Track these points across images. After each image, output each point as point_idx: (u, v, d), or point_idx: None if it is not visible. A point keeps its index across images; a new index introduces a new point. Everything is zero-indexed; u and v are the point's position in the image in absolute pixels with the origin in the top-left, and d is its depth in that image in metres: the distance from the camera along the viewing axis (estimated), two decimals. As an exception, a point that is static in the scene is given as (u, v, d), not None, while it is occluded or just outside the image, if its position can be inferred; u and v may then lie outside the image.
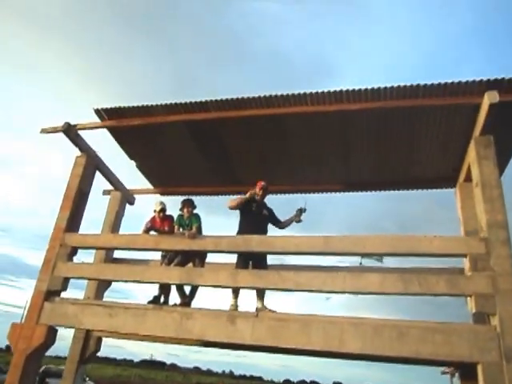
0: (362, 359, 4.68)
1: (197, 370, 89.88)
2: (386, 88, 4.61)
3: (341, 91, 4.70)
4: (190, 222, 5.11)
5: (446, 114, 4.88)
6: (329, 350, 4.08)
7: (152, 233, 5.21)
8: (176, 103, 5.21)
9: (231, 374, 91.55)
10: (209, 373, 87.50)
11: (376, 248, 4.39)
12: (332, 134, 5.40)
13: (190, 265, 5.15)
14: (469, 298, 4.73)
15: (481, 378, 3.76)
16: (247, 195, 5.13)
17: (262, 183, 5.31)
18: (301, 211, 5.25)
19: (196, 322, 4.44)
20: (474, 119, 4.73)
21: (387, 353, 3.90)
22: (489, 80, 4.41)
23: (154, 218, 5.30)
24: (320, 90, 4.75)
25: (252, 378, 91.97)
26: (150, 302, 5.01)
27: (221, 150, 6.04)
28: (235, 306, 4.82)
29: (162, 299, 5.21)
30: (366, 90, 4.64)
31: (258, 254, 4.82)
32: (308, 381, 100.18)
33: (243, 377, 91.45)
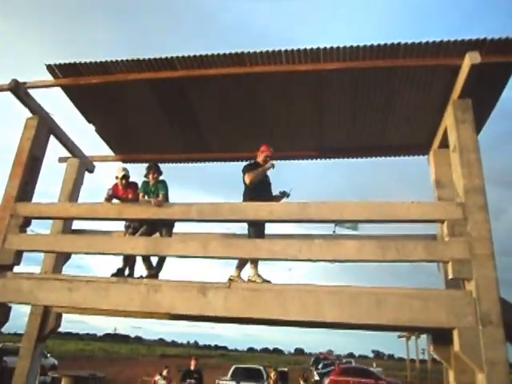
0: (339, 328, 4.58)
1: (161, 341, 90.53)
2: (364, 46, 4.35)
3: (317, 49, 4.40)
4: (157, 188, 4.76)
5: (425, 76, 4.71)
6: (305, 320, 3.94)
7: (115, 201, 4.83)
8: (139, 59, 4.75)
9: (196, 345, 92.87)
10: (173, 344, 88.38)
11: (354, 214, 4.23)
12: (306, 97, 5.13)
13: (157, 235, 4.83)
14: (441, 264, 4.73)
15: (457, 342, 3.73)
16: (267, 166, 4.82)
17: (270, 150, 4.99)
18: (283, 195, 4.98)
19: (164, 295, 4.17)
20: (452, 82, 4.57)
21: (365, 321, 3.80)
22: (470, 40, 4.24)
23: (116, 185, 4.90)
24: (295, 48, 4.43)
25: (217, 347, 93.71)
26: (113, 275, 4.68)
27: (188, 114, 5.64)
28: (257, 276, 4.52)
29: (126, 272, 4.89)
30: (345, 48, 4.37)
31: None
32: (271, 348, 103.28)
33: (208, 347, 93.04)
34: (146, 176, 4.87)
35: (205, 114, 5.64)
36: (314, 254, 4.09)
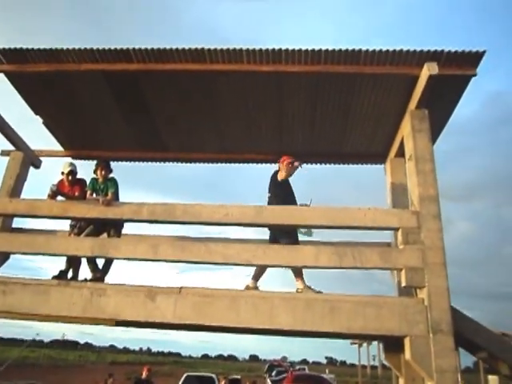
0: (293, 335, 4.48)
1: (113, 348, 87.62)
2: (326, 50, 4.31)
3: (279, 50, 4.32)
4: (106, 186, 4.49)
5: (385, 84, 4.73)
6: (258, 327, 3.81)
7: (60, 198, 4.51)
8: (92, 49, 4.48)
9: (149, 352, 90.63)
10: (125, 351, 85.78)
11: (310, 220, 4.16)
12: (266, 99, 5.03)
13: (105, 236, 4.55)
14: (396, 271, 4.75)
15: (408, 350, 3.72)
16: (296, 164, 4.71)
17: (291, 158, 4.80)
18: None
19: (109, 300, 3.92)
20: (410, 92, 4.63)
21: (318, 328, 3.72)
22: (429, 51, 4.29)
23: (61, 181, 4.58)
24: (257, 48, 4.32)
25: (170, 354, 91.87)
26: (55, 278, 4.35)
27: (144, 111, 5.39)
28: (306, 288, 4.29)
29: (70, 274, 4.56)
30: (307, 51, 4.31)
31: (282, 229, 4.40)
32: (225, 355, 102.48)
33: (161, 353, 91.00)
34: (94, 173, 4.59)
35: (162, 111, 5.42)
36: (269, 259, 3.98)
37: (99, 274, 4.40)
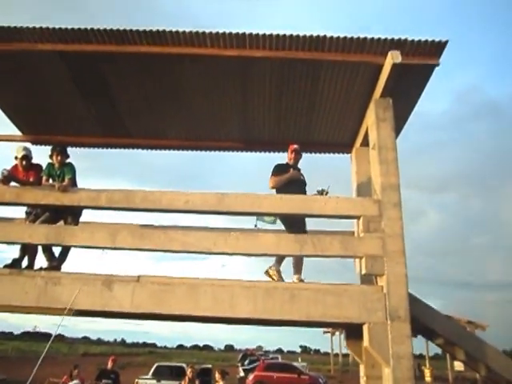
0: (253, 324, 4.46)
1: (86, 339, 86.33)
2: (290, 36, 4.24)
3: (243, 34, 4.21)
4: (62, 172, 4.33)
5: (349, 72, 4.69)
6: (218, 316, 3.77)
7: (13, 184, 4.32)
8: (48, 28, 4.27)
9: (123, 343, 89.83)
10: (99, 342, 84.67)
11: (273, 208, 4.12)
12: (231, 85, 4.93)
13: (62, 223, 4.40)
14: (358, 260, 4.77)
15: (366, 337, 3.76)
16: (288, 175, 4.71)
17: (295, 146, 5.00)
18: (321, 193, 4.74)
19: (64, 289, 3.81)
20: (375, 80, 4.63)
21: (278, 316, 3.71)
22: (393, 39, 4.27)
23: (15, 166, 4.39)
24: (221, 31, 4.21)
25: (145, 345, 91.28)
26: (7, 266, 4.17)
27: (106, 94, 5.20)
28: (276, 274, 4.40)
29: (25, 263, 4.40)
30: (271, 35, 4.22)
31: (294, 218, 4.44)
32: (201, 345, 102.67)
33: (136, 344, 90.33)
34: (50, 158, 4.41)
35: (124, 96, 5.24)
36: (229, 247, 3.93)
37: (55, 263, 4.26)
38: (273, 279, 4.38)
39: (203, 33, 4.23)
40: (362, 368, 4.74)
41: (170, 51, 4.33)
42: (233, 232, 4.05)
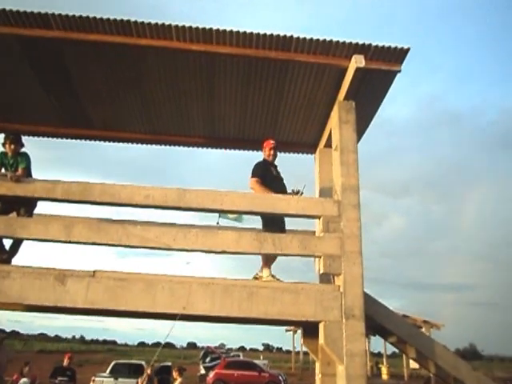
0: (210, 321, 4.45)
1: (43, 336, 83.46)
2: (258, 35, 4.23)
3: (210, 30, 4.18)
4: (16, 161, 4.16)
5: (315, 74, 4.75)
6: (175, 313, 3.72)
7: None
8: (5, 10, 4.07)
9: (82, 340, 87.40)
10: (56, 339, 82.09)
11: (235, 205, 4.11)
12: (197, 80, 4.88)
13: (14, 215, 4.23)
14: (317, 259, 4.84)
15: (322, 335, 3.82)
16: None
17: (272, 142, 4.96)
18: (296, 193, 4.79)
19: (14, 283, 3.66)
20: (339, 83, 4.70)
21: (236, 314, 3.71)
22: (357, 43, 4.35)
23: (-34, 154, 4.18)
24: (187, 25, 4.16)
25: (105, 342, 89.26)
26: (-47, 259, 3.97)
27: (67, 83, 5.02)
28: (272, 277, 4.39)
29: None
30: (238, 33, 4.21)
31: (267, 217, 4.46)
32: (163, 342, 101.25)
33: (95, 341, 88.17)
34: (3, 146, 4.23)
35: (87, 86, 5.08)
36: (189, 243, 3.89)
37: (5, 256, 4.09)
38: None
39: (169, 26, 4.16)
40: (317, 365, 4.82)
41: (135, 42, 4.23)
42: (193, 228, 4.01)
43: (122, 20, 4.11)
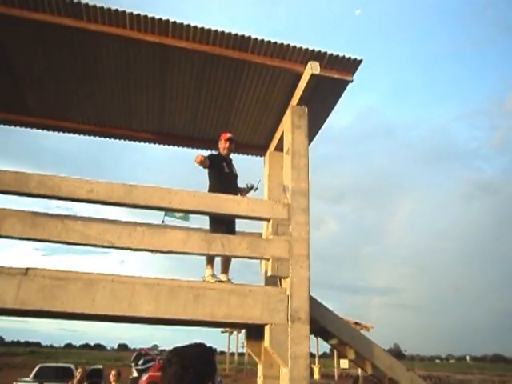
0: (154, 323, 4.28)
1: (-46, 337, 76.75)
2: (216, 31, 4.16)
3: (166, 21, 4.03)
4: None
5: (270, 77, 4.76)
6: (116, 315, 3.53)
7: None
8: None
9: (1, 341, 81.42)
10: (-29, 341, 75.86)
11: (184, 204, 3.98)
12: (150, 73, 4.70)
13: None
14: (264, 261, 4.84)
15: (267, 338, 3.81)
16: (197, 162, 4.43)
17: (228, 134, 4.76)
18: (250, 188, 4.83)
19: None
20: (293, 88, 4.75)
21: (182, 316, 3.60)
22: (313, 50, 4.42)
23: None
24: (142, 14, 3.99)
25: (28, 344, 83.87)
26: None
27: (5, 65, 4.63)
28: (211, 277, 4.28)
29: None
30: (195, 27, 4.10)
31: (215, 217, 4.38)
32: (92, 344, 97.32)
33: (16, 343, 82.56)
34: None
35: (28, 69, 4.71)
36: (134, 242, 3.72)
37: None
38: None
39: (123, 12, 3.96)
40: (260, 368, 4.80)
41: (85, 26, 3.98)
42: (138, 226, 3.83)
43: (71, 1, 3.85)
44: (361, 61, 4.49)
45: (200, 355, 1.34)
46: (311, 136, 5.46)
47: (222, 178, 4.65)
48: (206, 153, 5.01)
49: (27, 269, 3.49)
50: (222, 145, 4.82)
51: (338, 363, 30.82)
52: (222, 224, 4.38)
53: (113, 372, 6.45)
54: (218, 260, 4.54)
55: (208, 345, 1.39)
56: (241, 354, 34.09)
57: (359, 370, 28.09)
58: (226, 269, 4.53)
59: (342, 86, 4.79)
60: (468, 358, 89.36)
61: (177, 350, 1.34)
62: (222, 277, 4.45)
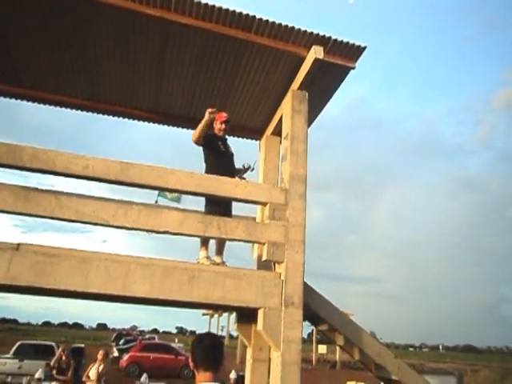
0: (148, 303, 4.25)
1: None
2: (220, 9, 4.04)
3: (170, -5, 3.91)
4: None
5: (272, 59, 4.67)
6: (109, 293, 3.48)
7: None
8: None
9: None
10: None
11: (181, 184, 3.92)
12: (148, 48, 4.54)
13: None
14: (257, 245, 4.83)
15: (260, 322, 3.81)
16: (206, 118, 4.34)
17: (224, 115, 4.65)
18: (247, 168, 4.85)
19: None
20: (295, 72, 4.68)
21: (176, 297, 3.57)
22: (318, 34, 4.33)
23: None
24: (145, -15, 3.85)
25: (5, 320, 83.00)
26: None
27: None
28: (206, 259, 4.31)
29: None
30: (200, 3, 3.97)
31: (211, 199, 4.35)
32: (70, 323, 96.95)
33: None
34: None
35: (20, 37, 4.51)
36: (129, 221, 3.65)
37: None
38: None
39: (124, -17, 3.82)
40: (249, 351, 4.83)
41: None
42: (135, 205, 3.76)
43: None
44: (365, 48, 4.44)
45: (219, 338, 2.12)
46: (309, 122, 5.41)
47: (220, 157, 4.60)
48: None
49: (19, 244, 3.40)
50: (218, 125, 4.72)
51: (316, 348, 31.42)
52: (220, 206, 4.34)
53: (101, 352, 6.43)
54: (212, 243, 4.51)
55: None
56: (220, 337, 34.37)
57: (337, 356, 28.84)
58: (220, 251, 4.51)
59: (343, 72, 4.74)
60: (441, 347, 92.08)
61: (205, 333, 2.10)
62: (217, 258, 4.44)
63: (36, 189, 3.58)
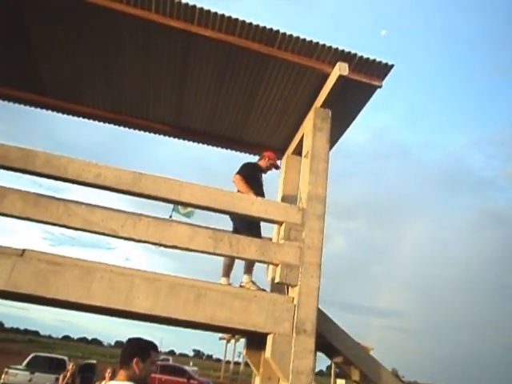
0: (150, 321, 4.06)
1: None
2: (244, 22, 3.97)
3: (193, 7, 3.85)
4: None
5: (295, 75, 4.55)
6: (111, 307, 3.33)
7: None
8: None
9: (1, 326, 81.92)
10: (-29, 323, 76.47)
11: (194, 198, 3.78)
12: (170, 61, 4.52)
13: None
14: (272, 266, 4.60)
15: (269, 348, 3.56)
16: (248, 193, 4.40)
17: (276, 160, 5.17)
18: None
19: None
20: (318, 89, 4.54)
21: (180, 316, 3.37)
22: (343, 51, 4.20)
23: None
24: (169, -2, 3.83)
25: (27, 332, 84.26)
26: None
27: (23, 39, 4.49)
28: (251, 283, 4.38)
29: None
30: (223, 16, 3.92)
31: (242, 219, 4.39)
32: (89, 338, 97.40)
33: (15, 330, 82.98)
34: None
35: (44, 46, 4.57)
36: (138, 232, 3.52)
37: None
38: None
39: (148, -6, 3.81)
40: (257, 380, 4.55)
41: (107, 5, 3.80)
42: (144, 217, 3.63)
43: (94, -21, 3.71)
44: (392, 66, 4.27)
45: (136, 341, 2.14)
46: (331, 143, 5.23)
47: (256, 189, 4.61)
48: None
49: (24, 250, 3.31)
50: (267, 163, 5.03)
51: (335, 383, 30.15)
52: (250, 228, 4.31)
53: (108, 370, 6.27)
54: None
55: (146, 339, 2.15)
56: (236, 363, 33.60)
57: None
58: (248, 269, 4.45)
59: (369, 91, 4.56)
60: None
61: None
62: (244, 278, 4.40)
63: (46, 195, 3.51)
